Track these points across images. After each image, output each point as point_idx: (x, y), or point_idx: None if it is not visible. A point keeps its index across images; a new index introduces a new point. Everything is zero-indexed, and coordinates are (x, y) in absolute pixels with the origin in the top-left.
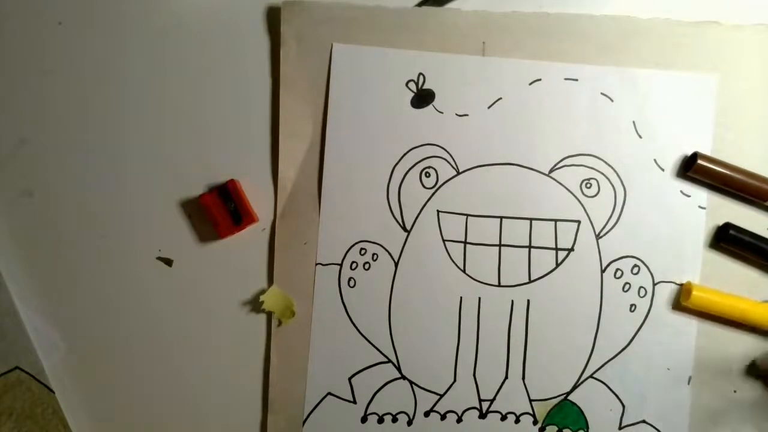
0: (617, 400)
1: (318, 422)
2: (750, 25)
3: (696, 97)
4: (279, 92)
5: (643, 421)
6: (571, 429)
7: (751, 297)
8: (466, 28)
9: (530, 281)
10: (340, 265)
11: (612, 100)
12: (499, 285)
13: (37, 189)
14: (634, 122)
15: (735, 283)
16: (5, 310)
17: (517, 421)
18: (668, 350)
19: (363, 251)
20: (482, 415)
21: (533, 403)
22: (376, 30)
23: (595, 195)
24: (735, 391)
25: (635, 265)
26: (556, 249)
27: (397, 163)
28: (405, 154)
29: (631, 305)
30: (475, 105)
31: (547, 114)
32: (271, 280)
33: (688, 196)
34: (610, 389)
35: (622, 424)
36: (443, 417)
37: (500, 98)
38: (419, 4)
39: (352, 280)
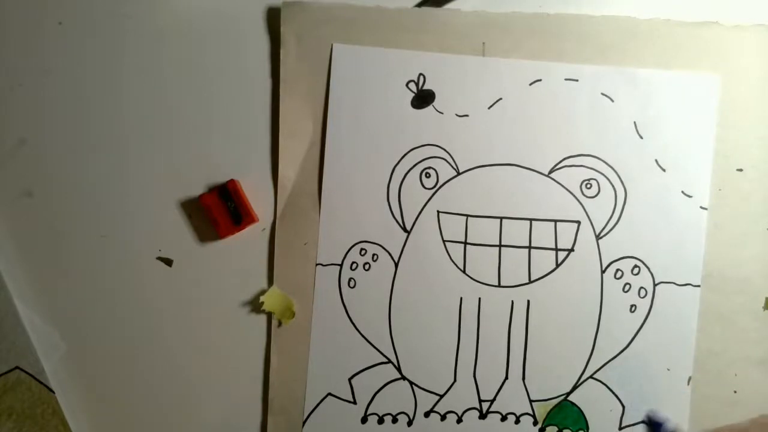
0: (617, 401)
1: (318, 423)
2: (750, 25)
3: (698, 97)
4: (279, 92)
5: (643, 422)
6: (571, 429)
7: None
8: (465, 28)
9: (530, 282)
10: (340, 265)
11: (612, 101)
12: (499, 285)
13: (37, 189)
14: (634, 122)
15: None
16: (5, 310)
17: (517, 421)
18: (668, 350)
19: (363, 252)
20: (482, 416)
21: (533, 403)
22: (376, 30)
23: (596, 195)
24: (735, 392)
25: (635, 266)
26: (556, 249)
27: (397, 164)
28: (405, 155)
29: (632, 306)
30: (475, 105)
31: (548, 114)
32: (271, 281)
33: (690, 196)
34: (610, 390)
35: (622, 425)
36: (443, 417)
37: (500, 98)
38: (419, 5)
39: (352, 280)
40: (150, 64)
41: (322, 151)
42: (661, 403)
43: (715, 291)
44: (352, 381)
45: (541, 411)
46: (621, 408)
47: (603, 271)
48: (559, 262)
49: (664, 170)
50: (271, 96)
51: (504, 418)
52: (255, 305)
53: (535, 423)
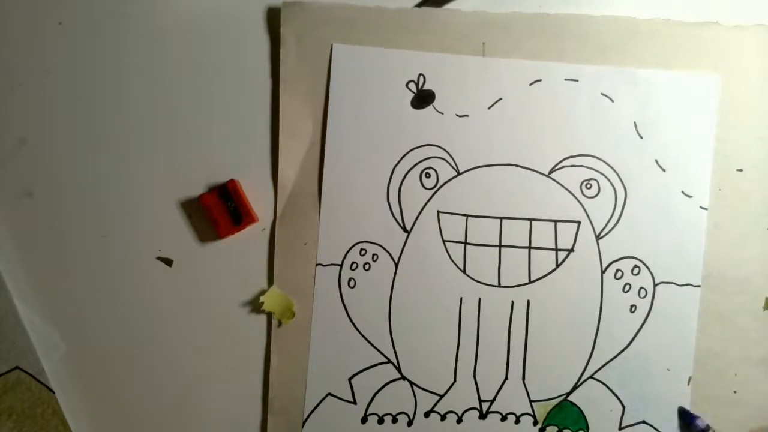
0: (617, 401)
1: (318, 423)
2: (750, 25)
3: (698, 97)
4: (279, 92)
5: (643, 422)
6: (571, 429)
7: None
8: (465, 28)
9: (530, 282)
10: (340, 265)
11: (612, 101)
12: (499, 285)
13: (37, 189)
14: (634, 123)
15: None
16: (5, 310)
17: (517, 421)
18: (668, 350)
19: (363, 252)
20: (482, 416)
21: (533, 403)
22: (376, 30)
23: (596, 195)
24: (735, 392)
25: (635, 266)
26: (556, 249)
27: (397, 164)
28: (405, 155)
29: (632, 306)
30: (475, 105)
31: (548, 114)
32: (271, 281)
33: (690, 196)
34: (610, 390)
35: (622, 425)
36: (443, 417)
37: (500, 99)
38: (419, 5)
39: (352, 280)
40: (150, 64)
41: (322, 151)
42: (661, 403)
43: (715, 291)
44: (352, 381)
45: (541, 411)
46: (621, 408)
47: (603, 271)
48: (559, 262)
49: (664, 170)
50: (271, 96)
51: (504, 418)
52: (255, 305)
53: (535, 423)
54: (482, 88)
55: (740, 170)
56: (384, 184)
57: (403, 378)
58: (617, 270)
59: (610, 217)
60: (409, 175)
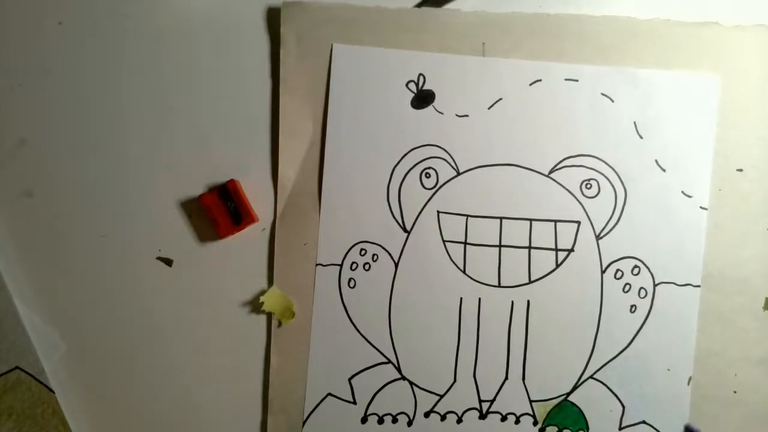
0: (617, 401)
1: (318, 423)
2: (750, 25)
3: (698, 97)
4: (279, 92)
5: (643, 422)
6: (571, 429)
7: None
8: (465, 28)
9: (530, 282)
10: (340, 265)
11: (612, 101)
12: (499, 286)
13: (37, 189)
14: (635, 123)
15: None
16: (5, 310)
17: (517, 421)
18: (668, 350)
19: (363, 252)
20: (482, 416)
21: (533, 403)
22: (376, 30)
23: (596, 195)
24: (735, 392)
25: (636, 266)
26: (556, 249)
27: (397, 164)
28: (405, 155)
29: (632, 306)
30: (475, 105)
31: (548, 114)
32: (271, 281)
33: (690, 196)
34: (610, 390)
35: (622, 425)
36: (443, 418)
37: (500, 99)
38: (419, 5)
39: (352, 280)
40: (150, 64)
41: (322, 151)
42: (661, 403)
43: (715, 291)
44: (352, 381)
45: (541, 411)
46: (621, 408)
47: (603, 272)
48: (559, 262)
49: (664, 170)
50: (271, 96)
51: (504, 419)
52: (255, 305)
53: (535, 423)
54: (482, 88)
55: (740, 170)
56: (384, 184)
57: (403, 378)
58: (617, 270)
59: (610, 217)
60: (409, 175)
